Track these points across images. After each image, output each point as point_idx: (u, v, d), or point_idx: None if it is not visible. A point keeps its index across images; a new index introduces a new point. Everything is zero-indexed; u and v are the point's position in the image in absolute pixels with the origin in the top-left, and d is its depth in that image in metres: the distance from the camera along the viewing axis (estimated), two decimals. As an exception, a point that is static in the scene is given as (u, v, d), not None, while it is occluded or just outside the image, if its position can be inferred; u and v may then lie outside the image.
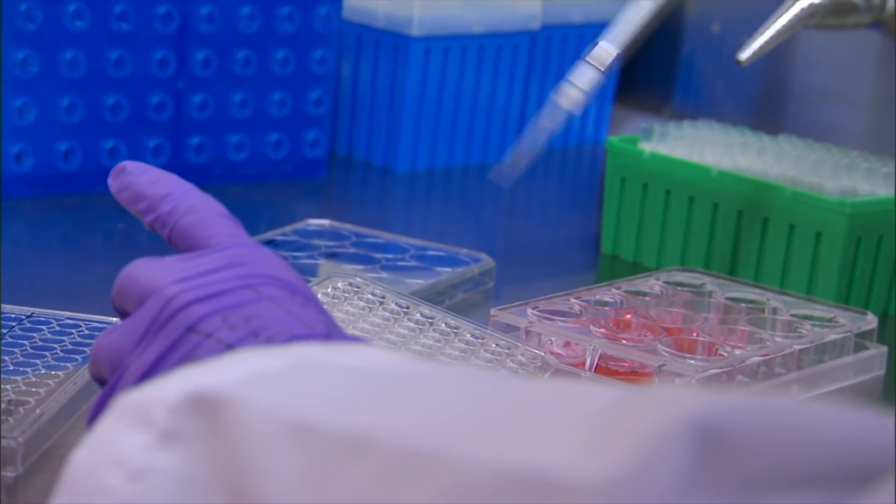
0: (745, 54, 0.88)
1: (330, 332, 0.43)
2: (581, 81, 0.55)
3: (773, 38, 0.88)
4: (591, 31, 1.10)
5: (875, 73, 1.03)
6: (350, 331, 0.61)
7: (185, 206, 0.48)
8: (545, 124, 0.55)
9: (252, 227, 0.84)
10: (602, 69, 0.55)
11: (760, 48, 0.88)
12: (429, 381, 0.36)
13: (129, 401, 0.36)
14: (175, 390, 0.36)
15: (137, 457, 0.35)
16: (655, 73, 1.17)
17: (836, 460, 0.27)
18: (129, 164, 0.50)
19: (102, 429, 0.36)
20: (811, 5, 0.89)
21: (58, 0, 0.84)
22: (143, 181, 0.49)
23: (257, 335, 0.42)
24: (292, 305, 0.44)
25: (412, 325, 0.62)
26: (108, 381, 0.45)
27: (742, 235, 0.77)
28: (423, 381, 0.36)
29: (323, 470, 0.32)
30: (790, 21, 0.88)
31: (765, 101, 1.11)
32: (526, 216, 0.99)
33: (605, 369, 0.62)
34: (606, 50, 0.55)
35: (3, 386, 0.53)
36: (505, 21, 1.02)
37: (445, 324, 0.62)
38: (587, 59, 0.55)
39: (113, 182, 0.50)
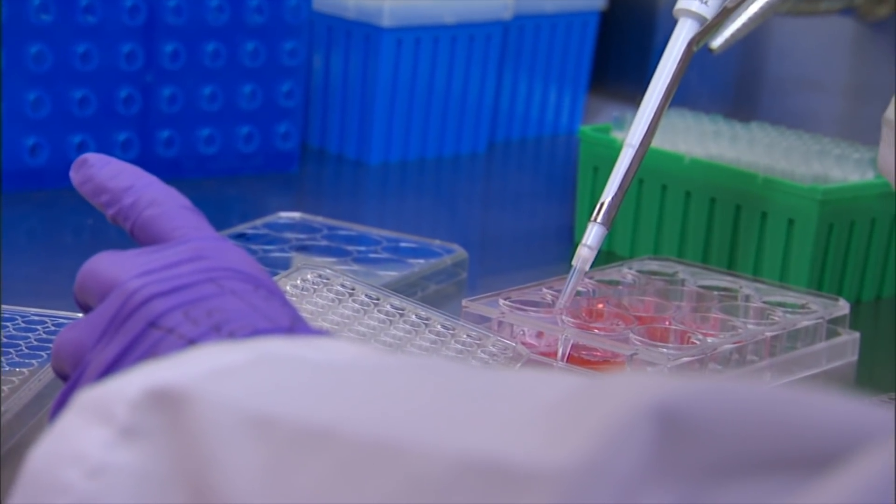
0: (717, 42, 0.88)
1: (293, 325, 0.43)
2: (592, 241, 0.60)
3: (745, 25, 0.88)
4: (564, 21, 1.10)
5: (848, 59, 1.03)
6: (319, 323, 0.60)
7: (148, 198, 0.48)
8: (571, 285, 0.60)
9: (224, 221, 0.84)
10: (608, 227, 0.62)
11: (733, 36, 0.88)
12: (391, 373, 0.35)
13: (89, 397, 0.36)
14: (135, 386, 0.35)
15: (97, 453, 0.35)
16: (629, 61, 1.17)
17: (797, 444, 0.26)
18: (91, 157, 0.49)
19: (62, 425, 0.36)
20: (782, -8, 0.89)
21: (22, -7, 0.83)
22: (105, 173, 0.49)
23: (219, 330, 0.42)
24: (255, 299, 0.43)
25: (382, 316, 0.61)
26: (70, 377, 0.44)
27: (715, 223, 0.77)
28: (386, 372, 0.35)
29: (284, 463, 0.32)
30: (762, 8, 0.88)
31: (739, 90, 1.11)
32: (500, 207, 0.98)
33: (578, 359, 0.62)
34: (611, 206, 0.60)
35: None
36: (477, 11, 1.02)
37: (416, 315, 0.62)
38: (595, 220, 0.60)
39: (75, 174, 0.49)
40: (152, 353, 0.42)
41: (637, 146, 0.64)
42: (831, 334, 0.67)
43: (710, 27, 0.64)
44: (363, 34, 0.98)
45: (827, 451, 0.26)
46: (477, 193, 1.03)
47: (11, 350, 0.56)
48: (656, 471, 0.27)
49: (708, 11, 0.64)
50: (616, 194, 0.63)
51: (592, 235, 0.63)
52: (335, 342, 0.39)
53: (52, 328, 0.58)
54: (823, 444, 0.26)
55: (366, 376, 0.35)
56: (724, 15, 0.64)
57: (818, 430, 0.26)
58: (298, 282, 0.63)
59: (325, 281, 0.63)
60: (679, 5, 0.65)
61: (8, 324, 0.58)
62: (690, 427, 0.27)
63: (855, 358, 0.68)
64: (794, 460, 0.26)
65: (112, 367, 0.42)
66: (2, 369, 0.54)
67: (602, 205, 0.64)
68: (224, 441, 0.33)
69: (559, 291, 0.66)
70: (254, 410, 0.33)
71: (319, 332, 0.43)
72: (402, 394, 0.33)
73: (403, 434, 0.30)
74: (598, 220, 0.63)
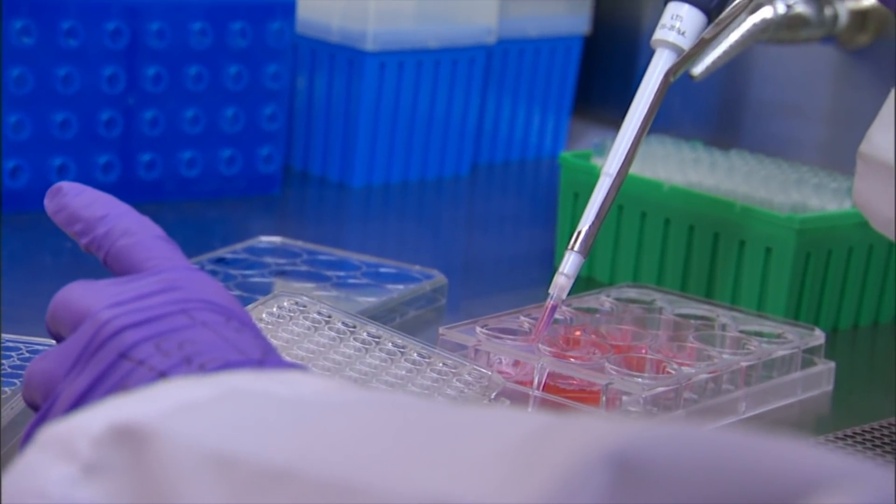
0: (698, 69, 0.89)
1: (265, 357, 0.43)
2: (569, 269, 0.60)
3: (726, 52, 0.88)
4: (548, 46, 1.10)
5: (830, 86, 1.03)
6: (294, 351, 0.60)
7: (122, 228, 0.48)
8: (546, 318, 0.61)
9: (205, 244, 0.84)
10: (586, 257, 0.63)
11: (714, 63, 0.88)
12: (356, 411, 0.35)
13: (53, 432, 0.36)
14: (99, 422, 0.35)
15: (60, 490, 0.35)
16: (612, 85, 1.18)
17: (749, 490, 0.27)
18: (66, 185, 0.49)
19: (26, 461, 0.36)
20: (763, 20, 0.89)
21: (4, 16, 0.83)
22: (78, 202, 0.49)
23: (190, 362, 0.42)
24: (227, 331, 0.43)
25: (358, 344, 0.62)
26: (40, 408, 0.44)
27: (693, 250, 0.77)
28: (351, 410, 0.35)
29: (244, 502, 0.32)
30: (742, 36, 0.89)
31: (721, 116, 1.11)
32: (483, 231, 0.99)
33: (554, 388, 0.62)
34: (588, 234, 0.61)
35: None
36: (461, 36, 1.02)
37: (392, 343, 0.62)
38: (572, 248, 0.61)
39: (49, 203, 0.49)
40: (123, 384, 0.42)
41: (614, 175, 0.64)
42: (807, 364, 0.67)
43: (687, 58, 0.64)
44: (346, 58, 0.98)
45: (784, 496, 0.26)
46: (460, 217, 1.03)
47: (-16, 377, 0.56)
48: (612, 516, 0.27)
49: (685, 42, 0.64)
50: (593, 223, 0.64)
51: (570, 264, 0.64)
52: (304, 376, 0.39)
53: (27, 354, 0.58)
54: (775, 490, 0.26)
55: (330, 413, 0.35)
56: (701, 46, 0.65)
57: (771, 477, 0.27)
58: (275, 309, 0.63)
59: (301, 308, 0.63)
60: (657, 36, 0.65)
61: (-18, 351, 0.58)
62: (645, 473, 0.27)
63: (830, 388, 0.68)
64: (750, 506, 0.27)
65: (82, 398, 0.42)
66: (-26, 397, 0.54)
67: (579, 233, 0.64)
68: (185, 479, 0.33)
69: (536, 319, 0.67)
70: (216, 449, 0.33)
71: (291, 365, 0.43)
72: (366, 433, 0.33)
73: (364, 475, 0.31)
74: (576, 248, 0.64)
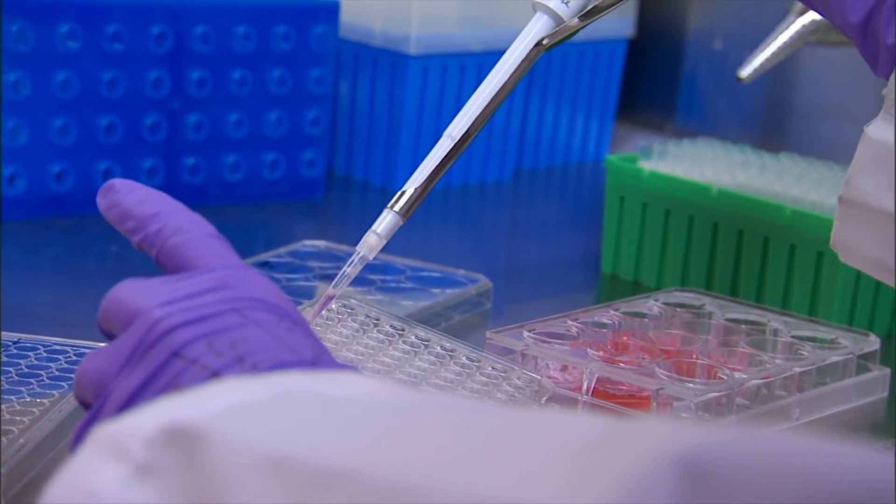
0: (746, 71, 0.88)
1: (317, 357, 0.42)
2: (382, 229, 0.56)
3: (774, 54, 0.87)
4: (592, 49, 1.09)
5: (877, 88, 1.02)
6: (343, 353, 0.59)
7: (174, 225, 0.47)
8: (349, 272, 0.56)
9: (249, 248, 0.83)
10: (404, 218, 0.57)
11: (762, 65, 0.88)
12: (412, 412, 0.35)
13: (106, 433, 0.35)
14: (152, 422, 0.35)
15: (112, 491, 0.34)
16: (657, 90, 1.17)
17: (821, 495, 0.26)
18: (118, 182, 0.49)
19: (78, 461, 0.35)
20: (812, 22, 0.88)
21: (50, 21, 0.83)
22: (131, 199, 0.48)
23: (242, 361, 0.41)
24: (279, 330, 0.43)
25: (407, 347, 0.61)
26: (92, 406, 0.44)
27: (743, 255, 0.76)
28: (407, 412, 0.35)
29: (301, 504, 0.31)
30: (791, 38, 0.88)
31: (767, 118, 1.10)
32: (526, 235, 0.98)
33: (603, 393, 0.61)
34: (412, 196, 0.56)
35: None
36: (503, 39, 1.01)
37: (440, 346, 0.61)
38: (391, 207, 0.56)
39: (101, 200, 0.49)
40: (175, 383, 0.41)
41: (457, 139, 0.59)
42: (861, 370, 0.66)
43: (564, 30, 0.60)
44: (390, 62, 0.98)
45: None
46: (503, 221, 1.02)
47: (33, 380, 0.56)
48: (682, 521, 0.26)
49: (566, 13, 0.60)
50: (420, 186, 0.59)
51: (384, 223, 0.58)
52: (356, 377, 0.39)
53: (74, 358, 0.58)
54: (847, 496, 0.26)
55: (386, 415, 0.35)
56: (573, 27, 0.60)
57: (842, 482, 0.26)
58: (323, 311, 0.62)
59: (349, 311, 0.63)
60: None
61: (30, 353, 0.58)
62: (714, 477, 0.26)
63: (885, 394, 0.67)
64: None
65: (134, 397, 0.42)
66: (23, 399, 0.54)
67: (403, 193, 0.59)
68: (241, 481, 0.32)
69: (584, 323, 0.66)
70: (271, 450, 0.32)
71: (343, 366, 0.42)
72: (423, 435, 0.33)
73: (422, 477, 0.30)
74: (395, 208, 0.58)
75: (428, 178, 0.58)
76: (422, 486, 0.29)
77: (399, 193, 0.58)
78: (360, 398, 0.36)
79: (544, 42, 0.59)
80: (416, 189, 0.58)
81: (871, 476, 0.26)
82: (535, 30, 0.60)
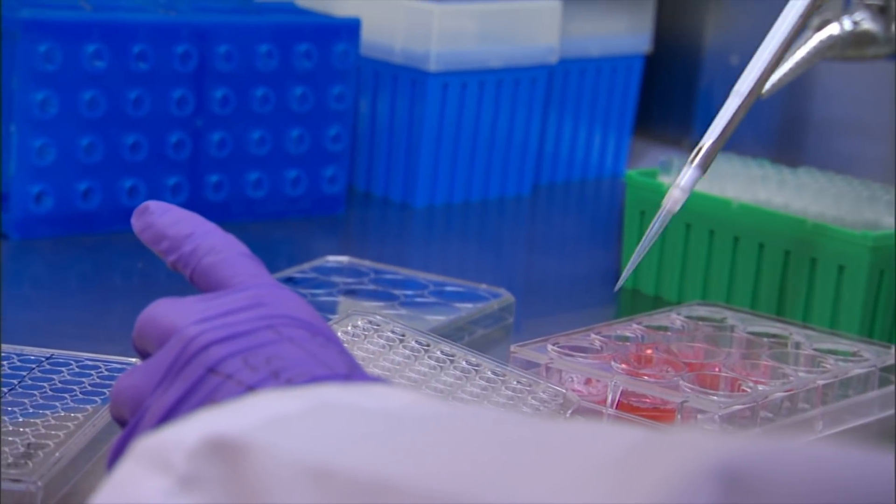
0: (764, 87, 0.88)
1: (351, 372, 0.43)
2: (685, 182, 0.59)
3: (791, 70, 0.88)
4: (609, 65, 1.10)
5: (895, 103, 1.02)
6: (371, 369, 0.60)
7: (207, 245, 0.48)
8: (655, 229, 0.59)
9: (271, 264, 0.84)
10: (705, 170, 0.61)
11: (779, 80, 0.88)
12: (448, 424, 0.35)
13: (148, 445, 0.36)
14: (194, 434, 0.36)
15: (157, 502, 0.35)
16: (674, 105, 1.17)
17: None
18: (152, 204, 0.50)
19: (121, 473, 0.36)
20: (830, 37, 0.89)
21: (77, 41, 0.84)
22: (165, 221, 0.49)
23: (278, 376, 0.42)
24: (313, 346, 0.43)
25: (433, 362, 0.62)
26: (128, 423, 0.45)
27: (763, 269, 0.77)
28: (443, 423, 0.35)
29: (344, 515, 0.32)
30: (809, 53, 0.88)
31: (785, 133, 1.10)
32: (546, 251, 0.99)
33: (627, 406, 0.61)
34: (710, 150, 0.59)
35: (22, 429, 0.53)
36: (523, 55, 1.02)
37: (466, 361, 0.62)
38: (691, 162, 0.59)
39: (136, 222, 0.50)
40: (211, 399, 0.42)
41: (745, 94, 0.62)
42: (884, 382, 0.66)
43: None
44: (410, 79, 0.98)
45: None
46: (522, 236, 1.03)
47: (66, 395, 0.57)
48: (722, 529, 0.27)
49: None
50: (717, 140, 0.62)
51: (687, 177, 0.62)
52: (391, 389, 0.39)
53: (106, 373, 0.59)
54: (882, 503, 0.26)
55: (422, 425, 0.35)
56: None
57: (879, 493, 0.26)
58: (349, 328, 0.63)
59: (375, 327, 0.63)
60: None
61: (63, 369, 0.59)
62: (754, 486, 0.27)
63: (908, 406, 0.67)
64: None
65: (171, 413, 0.43)
66: (57, 413, 0.55)
67: (701, 148, 0.62)
68: (282, 491, 0.33)
69: (608, 337, 0.66)
70: (312, 461, 0.33)
71: (376, 380, 0.43)
72: (461, 446, 0.33)
73: (463, 487, 0.31)
74: (696, 162, 0.62)
75: (721, 132, 0.61)
76: (463, 496, 0.30)
77: (697, 148, 0.61)
78: (395, 409, 0.37)
79: (812, 17, 0.62)
80: (712, 143, 0.61)
81: None
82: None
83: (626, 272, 0.60)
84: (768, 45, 0.61)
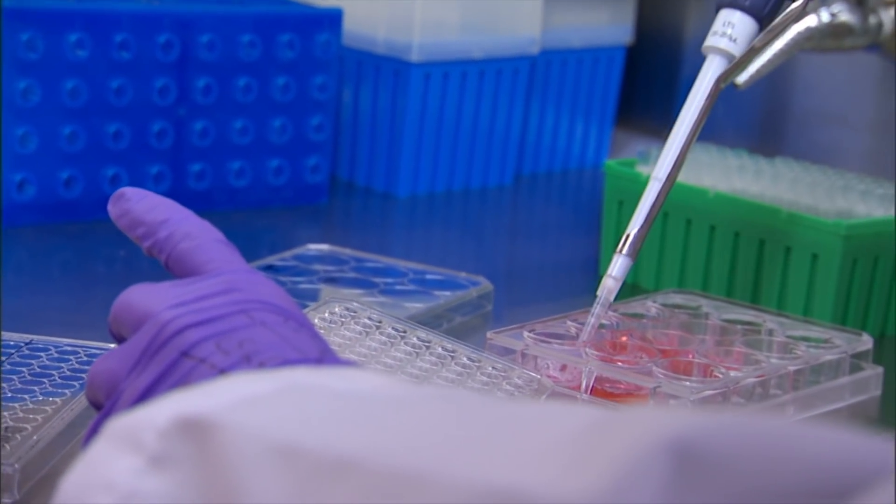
0: (742, 78, 0.89)
1: (322, 356, 0.44)
2: (617, 272, 0.61)
3: (770, 61, 0.88)
4: (591, 56, 1.11)
5: (874, 95, 1.03)
6: (346, 355, 0.61)
7: (182, 231, 0.49)
8: (595, 315, 0.61)
9: (254, 253, 0.85)
10: (633, 259, 0.64)
11: (758, 72, 0.89)
12: (415, 404, 0.36)
13: (120, 425, 0.37)
14: (165, 415, 0.36)
15: (127, 480, 0.36)
16: (655, 96, 1.18)
17: (810, 479, 0.27)
18: (129, 191, 0.51)
19: (93, 453, 0.37)
20: (807, 29, 0.89)
21: (59, 30, 0.85)
22: (141, 207, 0.50)
23: (250, 360, 0.43)
24: (285, 330, 0.44)
25: (409, 348, 0.62)
26: (103, 406, 0.45)
27: (739, 257, 0.78)
28: (410, 403, 0.36)
29: (308, 492, 0.33)
30: (787, 45, 0.89)
31: (765, 124, 1.11)
32: (527, 239, 0.99)
33: (601, 391, 0.62)
34: (636, 238, 0.61)
35: (1, 413, 0.53)
36: (504, 46, 1.03)
37: (442, 347, 0.63)
38: (621, 252, 0.61)
39: (112, 208, 0.51)
40: (184, 381, 0.43)
41: (664, 180, 0.65)
42: (855, 369, 0.67)
43: (737, 65, 0.65)
44: (392, 69, 0.99)
45: (839, 487, 0.27)
46: (504, 225, 1.04)
47: (45, 380, 0.57)
48: (673, 502, 0.27)
49: (736, 49, 0.65)
50: (642, 227, 0.64)
51: (618, 267, 0.64)
52: (361, 372, 0.40)
53: (85, 358, 0.59)
54: (836, 479, 0.27)
55: (390, 406, 0.36)
56: (751, 53, 0.65)
57: (831, 466, 0.27)
58: (326, 314, 0.64)
59: (352, 314, 0.64)
60: (708, 42, 0.66)
61: (41, 354, 0.60)
62: (706, 461, 0.28)
63: (879, 392, 0.68)
64: (807, 495, 0.27)
65: (145, 396, 0.43)
66: (36, 398, 0.55)
67: (628, 237, 0.64)
68: (250, 470, 0.34)
69: (583, 324, 0.67)
70: (279, 440, 0.34)
71: (347, 363, 0.44)
72: (425, 424, 0.34)
73: (425, 464, 0.31)
74: (624, 251, 0.64)
75: (645, 219, 0.64)
76: (425, 472, 0.31)
77: (624, 238, 0.65)
78: (364, 391, 0.38)
79: (721, 86, 0.64)
80: (637, 230, 0.64)
81: (857, 457, 0.27)
82: (711, 71, 0.66)
83: (585, 332, 0.63)
84: (679, 131, 0.64)
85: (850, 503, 0.26)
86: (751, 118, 1.11)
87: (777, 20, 0.65)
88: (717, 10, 0.65)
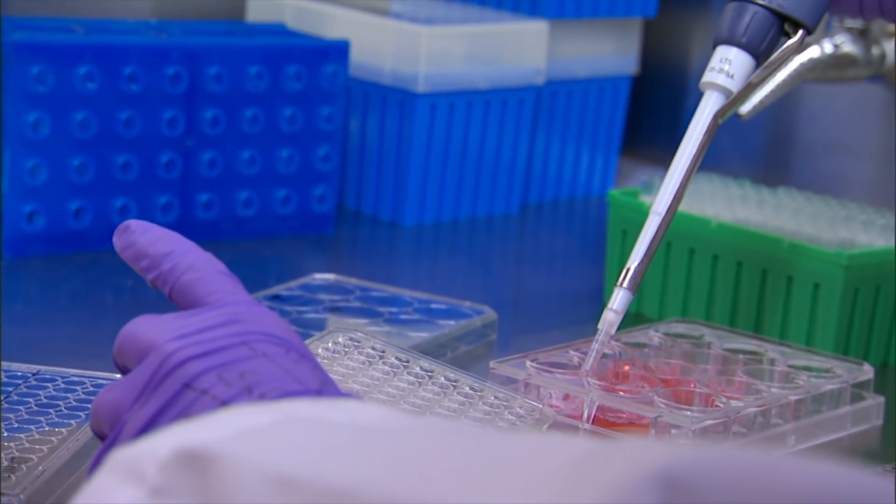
0: (745, 108, 0.90)
1: (323, 388, 0.44)
2: (617, 306, 0.63)
3: (773, 91, 0.89)
4: (596, 86, 1.12)
5: (878, 125, 1.04)
6: (350, 385, 0.61)
7: (186, 263, 0.50)
8: (597, 348, 0.64)
9: (261, 282, 0.86)
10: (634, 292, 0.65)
11: (761, 102, 0.90)
12: (412, 435, 0.37)
13: (122, 457, 0.37)
14: (166, 446, 0.37)
15: (129, 512, 0.36)
16: (661, 125, 1.19)
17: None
18: (133, 223, 0.51)
19: (96, 484, 0.37)
20: (810, 60, 0.90)
21: (68, 63, 0.86)
22: (145, 239, 0.51)
23: (251, 391, 0.43)
24: (287, 362, 0.45)
25: (411, 378, 0.63)
26: (107, 437, 0.46)
27: (741, 287, 0.78)
28: (407, 434, 0.37)
29: (305, 523, 0.33)
30: (790, 75, 0.90)
31: (770, 154, 1.12)
32: (533, 268, 1.00)
33: (603, 421, 0.63)
34: (637, 271, 0.62)
35: (7, 444, 0.54)
36: (510, 77, 1.04)
37: (444, 377, 0.63)
38: (622, 285, 0.62)
39: (117, 240, 0.51)
40: (187, 413, 0.43)
41: (663, 214, 0.65)
42: (856, 398, 0.67)
43: (735, 100, 0.66)
44: (398, 99, 1.00)
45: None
46: (510, 254, 1.04)
47: (51, 410, 0.58)
48: (660, 534, 0.28)
49: (733, 85, 0.65)
50: (642, 260, 0.65)
51: (618, 300, 0.65)
52: (360, 404, 0.41)
53: (91, 389, 0.60)
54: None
55: (387, 438, 0.36)
56: (749, 89, 0.66)
57: (820, 498, 0.27)
58: (330, 344, 0.64)
59: (356, 344, 0.65)
60: (705, 78, 0.66)
61: (48, 384, 0.60)
62: (694, 493, 0.28)
63: (880, 422, 0.68)
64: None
65: (148, 427, 0.44)
66: (42, 428, 0.56)
67: (628, 270, 0.65)
68: (249, 501, 0.34)
69: (586, 353, 0.68)
70: (277, 471, 0.34)
71: (348, 395, 0.44)
72: (422, 455, 0.35)
73: (420, 494, 0.32)
74: (625, 285, 0.65)
75: (645, 252, 0.65)
76: (421, 502, 0.31)
77: (625, 271, 0.65)
78: (363, 423, 0.38)
79: (719, 121, 0.66)
80: (637, 264, 0.65)
81: (844, 490, 0.28)
82: (709, 107, 0.66)
83: (587, 364, 0.63)
84: (677, 166, 0.64)
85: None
86: (756, 148, 1.11)
87: (774, 56, 0.65)
88: (713, 47, 0.66)
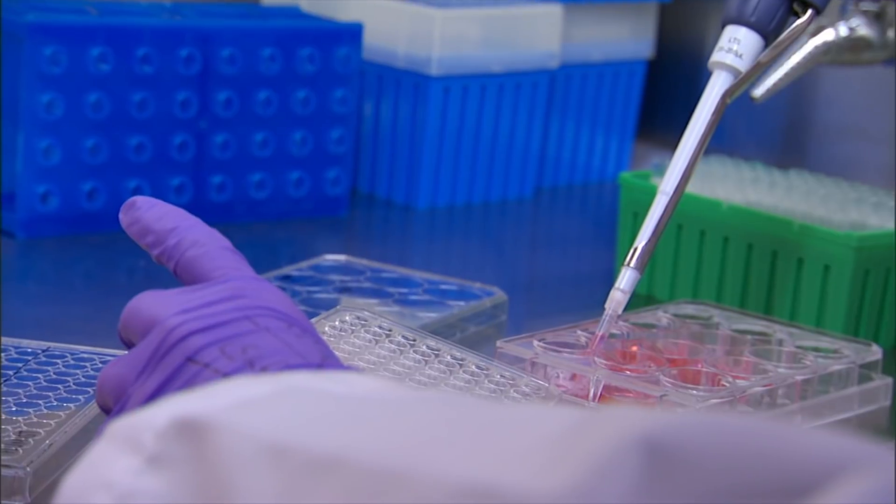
0: (759, 91, 0.89)
1: (324, 361, 0.44)
2: (625, 285, 0.63)
3: (787, 74, 0.89)
4: (610, 70, 1.12)
5: (893, 108, 1.03)
6: (355, 362, 0.62)
7: (190, 239, 0.50)
8: (603, 328, 0.64)
9: (273, 264, 0.86)
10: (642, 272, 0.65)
11: (775, 85, 0.89)
12: (405, 406, 0.37)
13: (120, 426, 0.38)
14: (163, 416, 0.37)
15: (125, 480, 0.37)
16: (676, 109, 1.18)
17: (778, 474, 0.28)
18: (139, 199, 0.52)
19: (94, 454, 0.38)
20: (825, 43, 0.90)
21: (82, 44, 0.86)
22: (150, 215, 0.51)
23: (253, 365, 0.44)
24: (289, 336, 0.45)
25: (418, 356, 0.63)
26: (112, 411, 0.46)
27: (752, 269, 0.78)
28: (400, 405, 0.37)
29: (297, 489, 0.33)
30: (804, 58, 0.89)
31: (785, 138, 1.11)
32: (545, 252, 1.00)
33: (610, 400, 0.63)
34: (644, 251, 0.62)
35: (15, 418, 0.55)
36: (524, 60, 1.04)
37: (451, 356, 0.63)
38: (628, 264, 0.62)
39: (123, 216, 0.52)
40: (189, 386, 0.44)
41: (671, 193, 0.65)
42: (864, 379, 0.67)
43: (744, 80, 0.66)
44: (412, 82, 1.00)
45: (806, 481, 0.27)
46: (523, 238, 1.04)
47: (60, 386, 0.58)
48: (644, 498, 0.28)
49: (742, 65, 0.65)
50: (649, 240, 0.65)
51: (625, 280, 0.65)
52: (358, 376, 0.41)
53: (100, 365, 0.61)
54: (803, 474, 0.27)
55: (381, 408, 0.37)
56: (758, 69, 0.66)
57: (799, 461, 0.28)
58: (337, 323, 0.65)
59: (363, 322, 0.65)
60: (714, 58, 0.66)
61: (58, 361, 0.61)
62: (677, 458, 0.28)
63: (888, 403, 0.68)
64: (775, 490, 0.28)
65: (152, 400, 0.44)
66: (50, 403, 0.57)
67: (635, 250, 0.65)
68: (242, 468, 0.34)
69: (593, 333, 0.68)
70: (271, 439, 0.35)
71: (349, 368, 0.45)
72: (413, 425, 0.35)
73: (409, 462, 0.32)
74: (632, 265, 0.65)
75: (652, 232, 0.65)
76: (409, 470, 0.32)
77: (632, 251, 0.65)
78: (360, 394, 0.39)
79: (727, 101, 0.66)
80: (645, 244, 0.65)
81: (823, 452, 0.28)
82: (717, 87, 0.67)
83: (593, 343, 0.63)
84: (685, 146, 0.64)
85: (817, 500, 0.27)
86: (771, 132, 1.11)
87: (783, 36, 0.65)
88: (722, 26, 0.66)
